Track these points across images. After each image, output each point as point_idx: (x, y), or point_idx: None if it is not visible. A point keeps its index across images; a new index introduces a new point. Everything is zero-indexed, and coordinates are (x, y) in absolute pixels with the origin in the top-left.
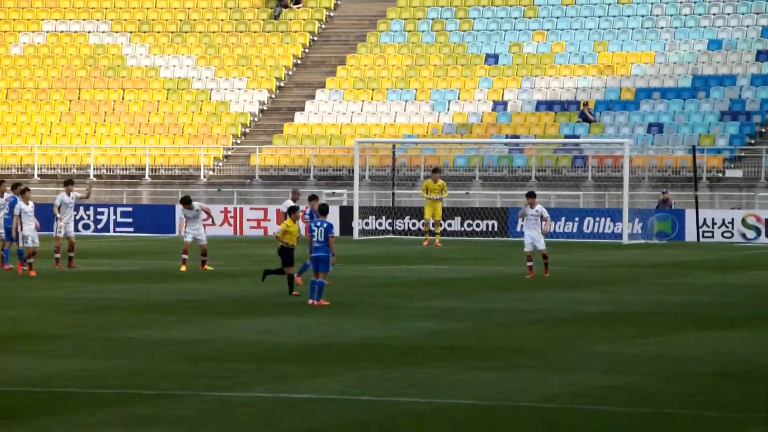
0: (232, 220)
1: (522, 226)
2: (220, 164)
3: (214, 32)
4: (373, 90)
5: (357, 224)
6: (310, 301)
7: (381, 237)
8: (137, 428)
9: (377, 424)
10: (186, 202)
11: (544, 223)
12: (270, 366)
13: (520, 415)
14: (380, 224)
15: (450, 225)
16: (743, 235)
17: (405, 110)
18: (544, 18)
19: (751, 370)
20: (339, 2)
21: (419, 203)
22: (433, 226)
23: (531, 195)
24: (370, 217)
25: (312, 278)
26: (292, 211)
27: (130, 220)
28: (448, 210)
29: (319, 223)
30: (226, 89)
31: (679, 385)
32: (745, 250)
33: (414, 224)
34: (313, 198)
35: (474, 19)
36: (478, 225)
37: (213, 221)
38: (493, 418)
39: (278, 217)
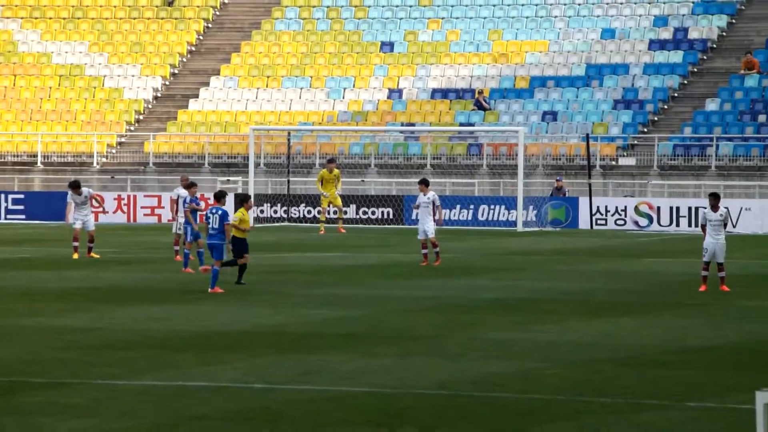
0: (125, 208)
1: (416, 214)
2: (114, 151)
3: (107, 19)
4: (268, 77)
5: (251, 211)
6: (211, 290)
7: (276, 225)
8: (28, 417)
9: (271, 411)
10: (75, 186)
11: (436, 210)
12: (163, 354)
13: (414, 402)
14: (275, 212)
15: (345, 213)
16: (636, 223)
17: (300, 98)
18: (439, 6)
19: (644, 356)
20: None
21: (314, 191)
22: (335, 213)
23: (423, 182)
24: (265, 204)
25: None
26: (245, 200)
27: (21, 207)
28: (344, 198)
29: (214, 210)
30: (119, 76)
31: (573, 371)
32: (637, 238)
33: (309, 212)
34: (191, 185)
35: (369, 6)
36: (373, 213)
37: (103, 209)
38: (389, 405)
39: (171, 205)
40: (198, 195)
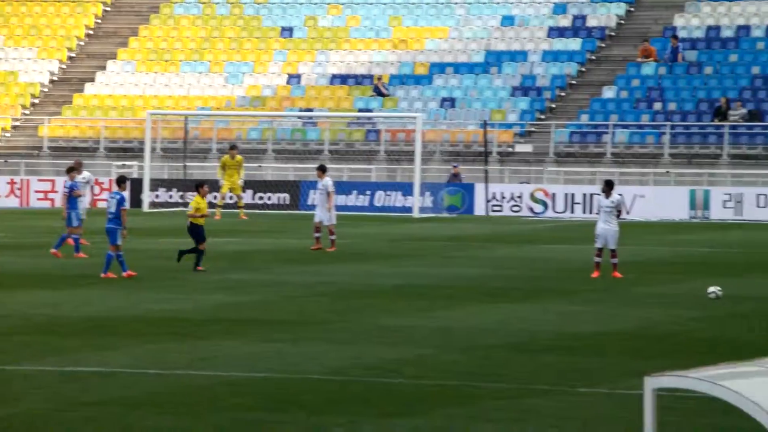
0: (18, 192)
1: (314, 199)
2: (8, 135)
3: (2, 0)
4: (166, 62)
5: (147, 196)
6: (103, 275)
7: (172, 209)
8: None
9: (165, 396)
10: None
11: (328, 197)
12: (53, 339)
13: (308, 388)
14: (171, 197)
15: (242, 198)
16: (531, 210)
17: (198, 83)
18: None
19: (538, 341)
20: None
21: (212, 176)
22: (234, 200)
23: (320, 168)
24: (160, 189)
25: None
26: (200, 186)
27: None
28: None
29: (113, 195)
30: (14, 59)
31: (467, 357)
32: (533, 224)
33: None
34: (71, 170)
35: None
36: (270, 198)
37: None
38: (282, 390)
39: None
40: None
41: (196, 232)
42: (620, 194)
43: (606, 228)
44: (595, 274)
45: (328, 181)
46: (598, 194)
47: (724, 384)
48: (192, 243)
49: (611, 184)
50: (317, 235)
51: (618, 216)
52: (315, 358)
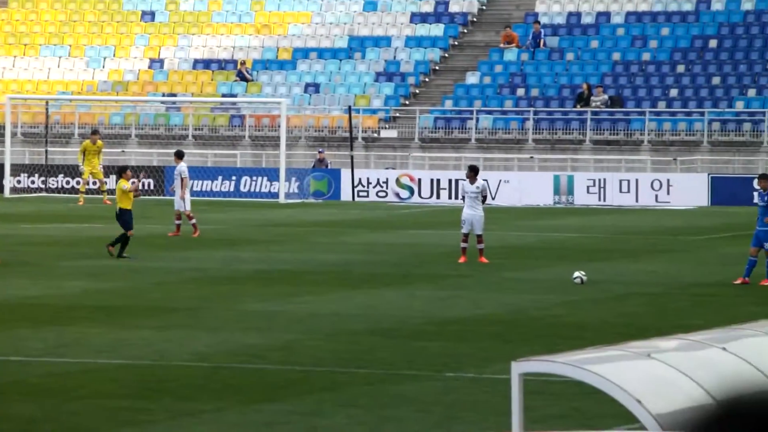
0: None
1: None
2: None
3: None
4: (25, 45)
5: (8, 182)
6: None
7: (33, 195)
8: None
9: (26, 384)
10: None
11: (182, 182)
12: None
13: (174, 374)
14: (33, 182)
15: (105, 183)
16: (397, 195)
17: (59, 66)
18: None
19: (404, 327)
20: None
21: (73, 161)
22: (97, 185)
23: (177, 154)
24: (22, 174)
25: None
26: (123, 171)
27: None
28: (105, 168)
29: None
30: None
31: (334, 343)
32: (398, 210)
33: (68, 182)
34: None
35: None
36: (133, 183)
37: None
38: (147, 377)
39: None
40: None
41: (124, 218)
42: (485, 180)
43: (472, 213)
44: (461, 260)
45: (182, 166)
46: (464, 180)
47: (588, 368)
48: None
49: (476, 169)
50: (178, 222)
51: (483, 201)
52: (182, 344)
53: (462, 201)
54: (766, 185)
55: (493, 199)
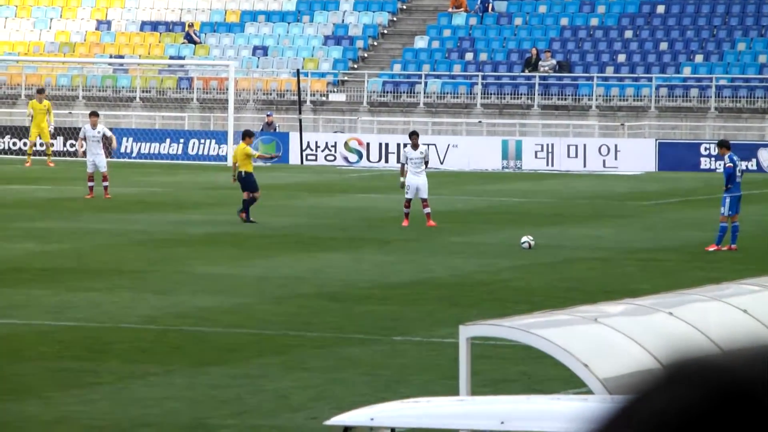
0: None
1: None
2: None
3: None
4: None
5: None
6: None
7: None
8: None
9: None
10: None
11: (107, 142)
12: None
13: (121, 337)
14: None
15: (53, 145)
16: (346, 159)
17: (5, 27)
18: None
19: (352, 291)
20: None
21: (20, 122)
22: (44, 146)
23: (93, 114)
24: None
25: None
26: (249, 134)
27: None
28: (54, 130)
29: None
30: None
31: (282, 306)
32: (347, 174)
33: (14, 144)
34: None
35: None
36: (82, 145)
37: None
38: (94, 339)
39: None
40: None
41: (251, 180)
42: (426, 145)
43: (416, 179)
44: (404, 223)
45: (102, 127)
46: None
47: (536, 332)
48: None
49: (417, 135)
50: (91, 184)
51: (425, 166)
52: (129, 307)
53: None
54: (722, 151)
55: (441, 163)
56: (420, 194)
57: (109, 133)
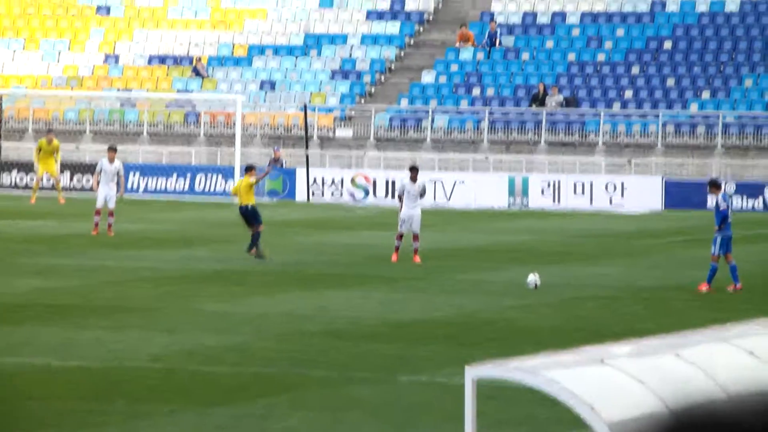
0: None
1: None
2: None
3: None
4: None
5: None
6: None
7: None
8: None
9: None
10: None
11: (119, 180)
12: None
13: (127, 376)
14: None
15: (60, 181)
16: (352, 195)
17: (13, 60)
18: None
19: (358, 329)
20: None
21: (27, 157)
22: (52, 184)
23: (111, 149)
24: None
25: None
26: (250, 169)
27: None
28: (60, 165)
29: None
30: None
31: (287, 344)
32: (353, 210)
33: (21, 178)
34: None
35: None
36: (88, 180)
37: None
38: (100, 379)
39: None
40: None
41: (257, 212)
42: (424, 180)
43: (411, 213)
44: (394, 258)
45: (119, 162)
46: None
47: (542, 374)
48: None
49: (417, 169)
50: (97, 219)
51: (421, 198)
52: (135, 345)
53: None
54: (714, 191)
55: (448, 200)
56: (413, 228)
57: (122, 171)
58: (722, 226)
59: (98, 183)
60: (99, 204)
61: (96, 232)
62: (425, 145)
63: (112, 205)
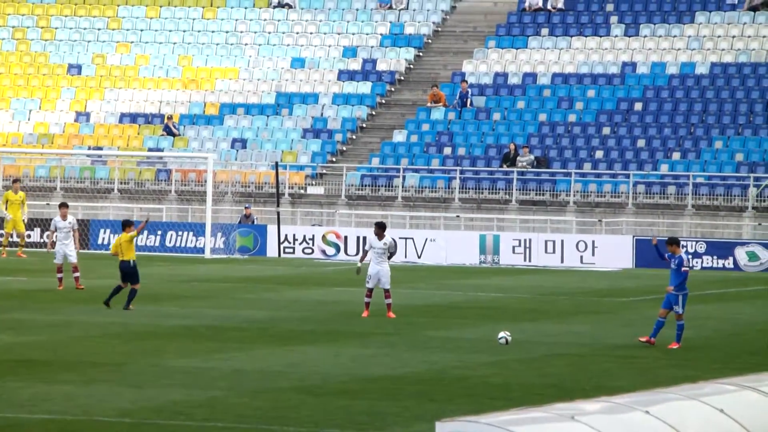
0: None
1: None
2: None
3: None
4: None
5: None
6: None
7: None
8: None
9: None
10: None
11: (75, 234)
12: None
13: (96, 431)
14: None
15: (29, 236)
16: (323, 252)
17: None
18: (128, 30)
19: (329, 385)
20: None
21: None
22: (18, 237)
23: (62, 205)
24: None
25: None
26: (128, 225)
27: None
28: (29, 221)
29: None
30: None
31: (258, 400)
32: (325, 267)
33: None
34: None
35: (56, 28)
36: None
37: None
38: None
39: None
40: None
41: (135, 270)
42: (393, 238)
43: (379, 269)
44: (365, 314)
45: (72, 219)
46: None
47: (512, 429)
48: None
49: (383, 226)
50: (60, 275)
51: (390, 258)
52: (104, 400)
53: (364, 254)
54: (675, 249)
55: (419, 257)
56: (382, 284)
57: (76, 226)
58: (684, 284)
59: (53, 242)
60: (59, 260)
61: (61, 287)
62: (396, 203)
63: (73, 260)
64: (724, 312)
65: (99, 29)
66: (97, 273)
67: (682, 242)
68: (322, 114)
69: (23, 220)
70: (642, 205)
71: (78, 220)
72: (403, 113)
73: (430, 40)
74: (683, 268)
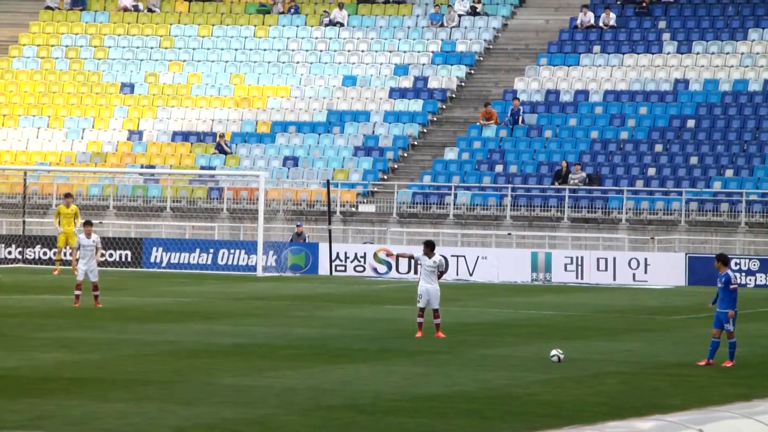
0: None
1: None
2: None
3: None
4: (4, 116)
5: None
6: None
7: (10, 266)
8: None
9: None
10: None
11: (97, 252)
12: None
13: None
14: (10, 252)
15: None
16: (375, 270)
17: (38, 137)
18: (180, 49)
19: (381, 403)
20: None
21: (51, 232)
22: (70, 255)
23: (87, 223)
24: None
25: None
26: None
27: None
28: None
29: None
30: None
31: (310, 418)
32: (376, 285)
33: (45, 253)
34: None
35: (109, 47)
36: (111, 255)
37: None
38: None
39: None
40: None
41: None
42: (443, 255)
43: (428, 287)
44: (418, 334)
45: (96, 236)
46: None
47: None
48: None
49: (432, 244)
50: (77, 293)
51: (440, 277)
52: (156, 418)
53: (416, 274)
54: (720, 267)
55: (471, 275)
56: (431, 305)
57: (99, 244)
58: (733, 303)
59: (77, 260)
60: (80, 277)
61: (77, 304)
62: (448, 221)
63: (94, 278)
64: None
65: (151, 48)
66: (151, 291)
67: (734, 259)
68: (373, 132)
69: (75, 232)
70: (694, 223)
71: (131, 239)
72: (454, 131)
73: (481, 58)
74: (731, 286)
